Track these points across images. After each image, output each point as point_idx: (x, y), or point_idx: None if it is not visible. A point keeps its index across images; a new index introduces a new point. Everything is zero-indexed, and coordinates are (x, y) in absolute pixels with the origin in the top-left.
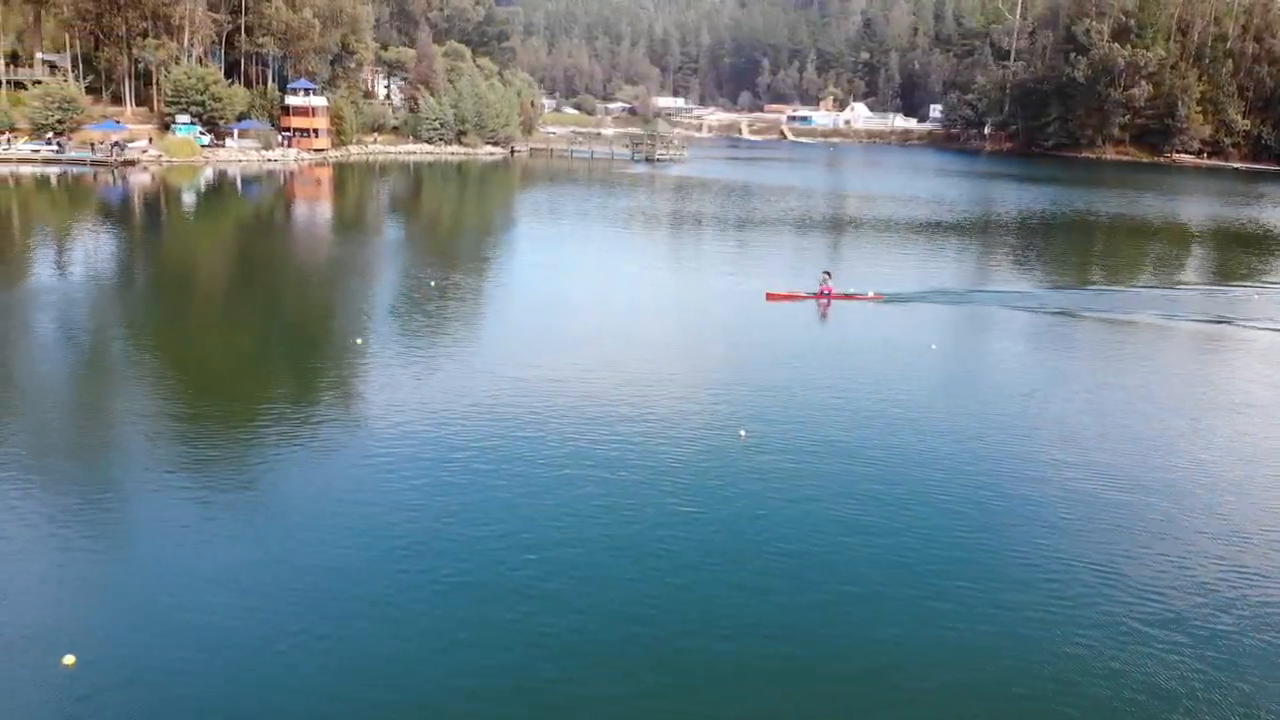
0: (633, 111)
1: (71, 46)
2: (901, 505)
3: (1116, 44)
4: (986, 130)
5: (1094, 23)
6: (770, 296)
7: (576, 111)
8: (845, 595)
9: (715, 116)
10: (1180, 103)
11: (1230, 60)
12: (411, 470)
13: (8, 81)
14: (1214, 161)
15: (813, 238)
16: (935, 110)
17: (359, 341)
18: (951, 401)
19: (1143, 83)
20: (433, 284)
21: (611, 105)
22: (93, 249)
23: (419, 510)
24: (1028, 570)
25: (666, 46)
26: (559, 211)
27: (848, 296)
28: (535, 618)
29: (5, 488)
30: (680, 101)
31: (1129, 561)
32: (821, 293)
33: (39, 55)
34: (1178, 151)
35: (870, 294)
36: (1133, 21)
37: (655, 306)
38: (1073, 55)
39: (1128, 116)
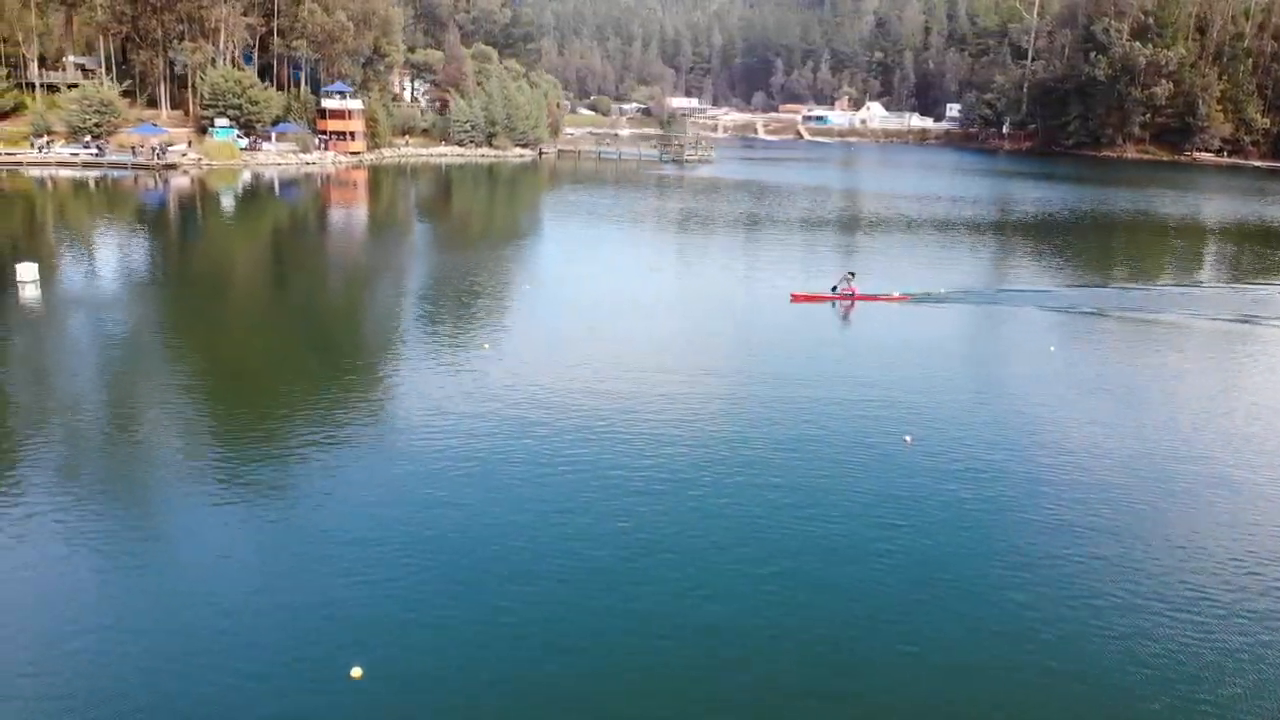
0: (647, 112)
1: (106, 49)
2: (1091, 531)
3: (1137, 43)
4: (1005, 129)
5: (1113, 22)
6: (795, 298)
7: (591, 113)
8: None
9: (730, 116)
10: (1201, 101)
11: (1250, 59)
12: (540, 481)
13: (40, 84)
14: (1234, 160)
15: (867, 237)
16: (952, 110)
17: (486, 347)
18: (1105, 411)
19: (1164, 81)
20: (528, 287)
21: (626, 106)
22: (156, 253)
23: (580, 525)
24: (1242, 600)
25: (678, 47)
26: (604, 213)
27: (872, 297)
28: (710, 650)
29: (254, 500)
30: (694, 102)
31: None
32: (845, 293)
33: (70, 58)
34: (1198, 150)
35: (896, 295)
36: (1152, 20)
37: (726, 310)
38: (1093, 54)
39: (1148, 115)
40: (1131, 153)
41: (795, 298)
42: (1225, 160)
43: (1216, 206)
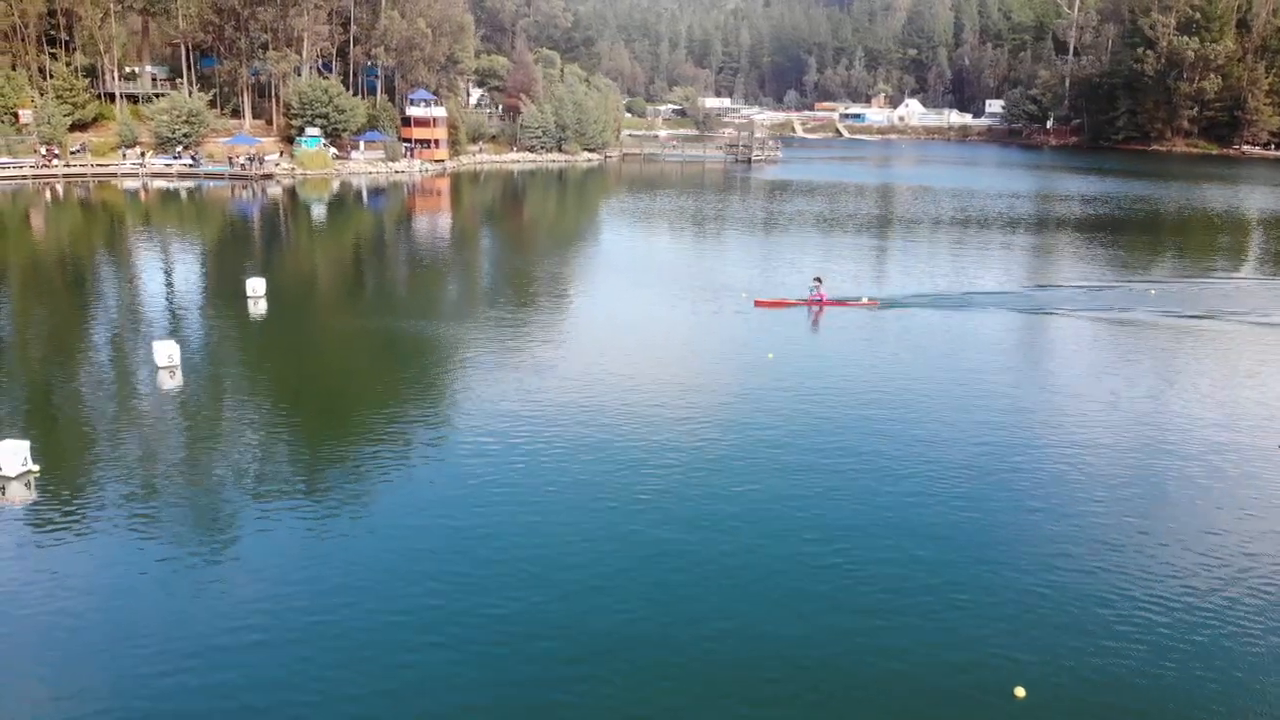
0: (682, 113)
1: (185, 59)
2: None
3: (1185, 37)
4: (1050, 125)
5: (1159, 16)
6: (759, 303)
7: (628, 115)
8: None
9: (766, 116)
10: (1250, 95)
11: None
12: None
13: (120, 95)
14: None
15: (1014, 237)
16: (992, 106)
17: (770, 356)
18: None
19: (1212, 75)
20: (746, 296)
21: (661, 108)
22: (329, 263)
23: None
24: None
25: (707, 47)
26: (722, 219)
27: (841, 303)
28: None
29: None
30: (726, 101)
31: None
32: (813, 299)
33: (148, 69)
34: (1246, 144)
35: (864, 300)
36: (1198, 15)
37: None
38: (1140, 49)
39: (1196, 109)
40: (1180, 147)
41: (759, 303)
42: (1273, 154)
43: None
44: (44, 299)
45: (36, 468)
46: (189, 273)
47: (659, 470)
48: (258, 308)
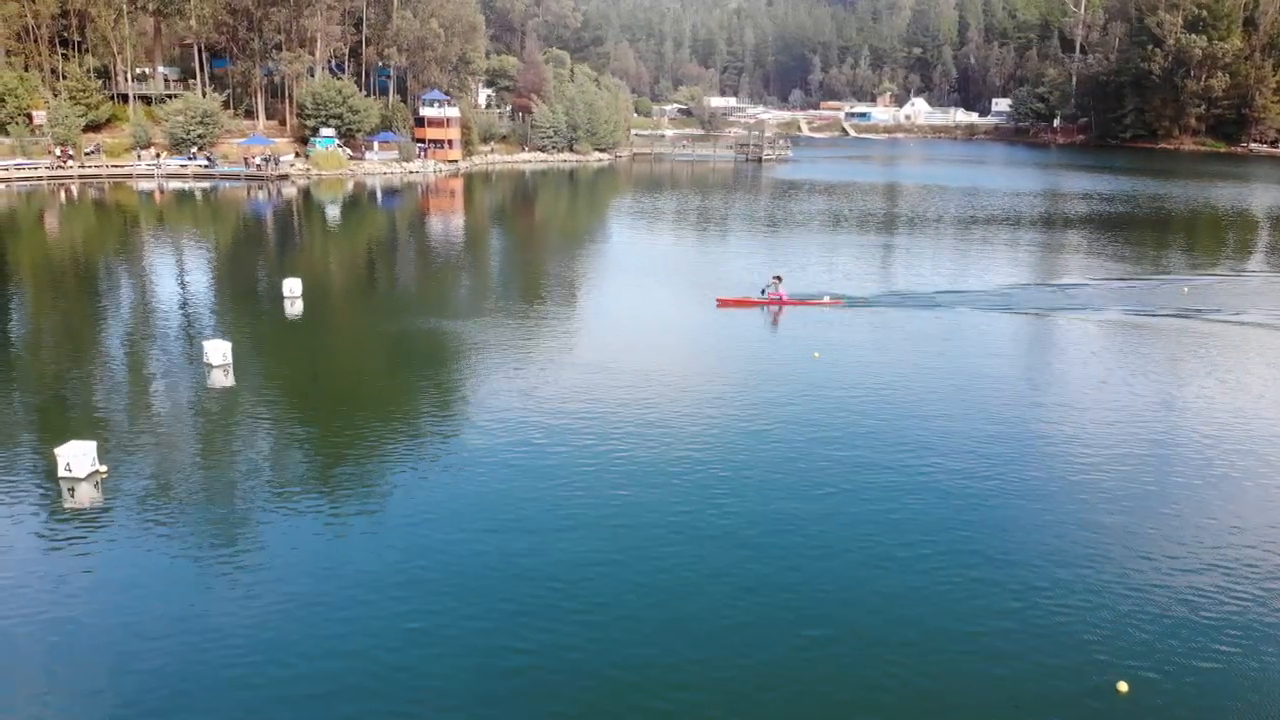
0: (688, 113)
1: (199, 61)
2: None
3: (1192, 35)
4: (1056, 123)
5: (1167, 15)
6: (722, 302)
7: (635, 115)
8: None
9: (772, 115)
10: (1257, 93)
11: None
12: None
13: (134, 96)
14: None
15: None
16: (999, 104)
17: (817, 355)
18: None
19: (1219, 74)
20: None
21: (666, 107)
22: (366, 263)
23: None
24: None
25: (711, 46)
26: (723, 216)
27: (802, 302)
28: None
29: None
30: (732, 101)
31: None
32: (773, 298)
33: (160, 70)
34: (1254, 141)
35: (826, 299)
36: (1205, 13)
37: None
38: (1148, 47)
39: (1203, 107)
40: (1188, 145)
41: (722, 303)
42: (1278, 151)
43: None
44: (87, 300)
45: (104, 468)
46: (222, 273)
47: (706, 484)
48: (295, 308)
